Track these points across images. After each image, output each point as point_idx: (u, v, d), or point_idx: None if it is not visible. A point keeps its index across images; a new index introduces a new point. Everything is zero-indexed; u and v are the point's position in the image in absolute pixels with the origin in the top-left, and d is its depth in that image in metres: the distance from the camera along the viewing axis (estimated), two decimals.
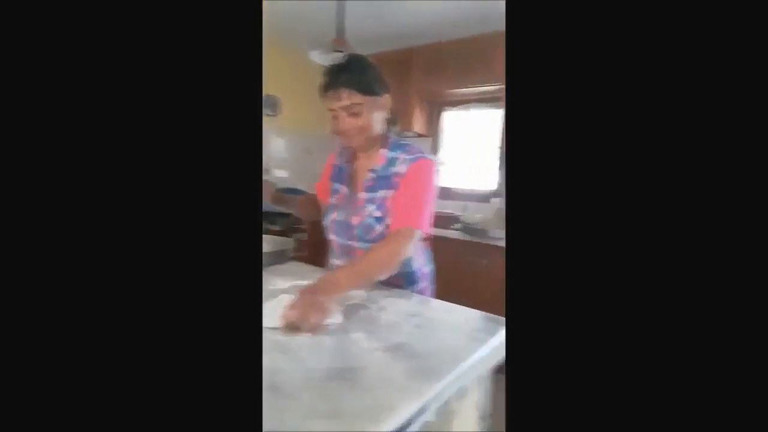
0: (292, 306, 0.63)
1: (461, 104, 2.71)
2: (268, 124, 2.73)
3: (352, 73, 0.86)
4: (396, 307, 0.77)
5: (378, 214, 0.91)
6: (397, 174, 0.91)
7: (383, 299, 0.80)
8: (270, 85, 2.69)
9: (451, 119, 2.80)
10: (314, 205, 1.11)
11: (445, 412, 0.51)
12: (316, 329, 0.62)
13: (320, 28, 2.33)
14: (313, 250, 1.08)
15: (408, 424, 0.42)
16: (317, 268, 1.06)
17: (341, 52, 1.46)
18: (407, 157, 0.92)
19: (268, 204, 2.60)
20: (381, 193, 0.92)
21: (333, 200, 1.01)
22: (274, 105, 2.74)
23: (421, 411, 0.44)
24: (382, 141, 0.95)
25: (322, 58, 1.52)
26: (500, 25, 1.89)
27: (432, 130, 2.83)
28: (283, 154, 2.88)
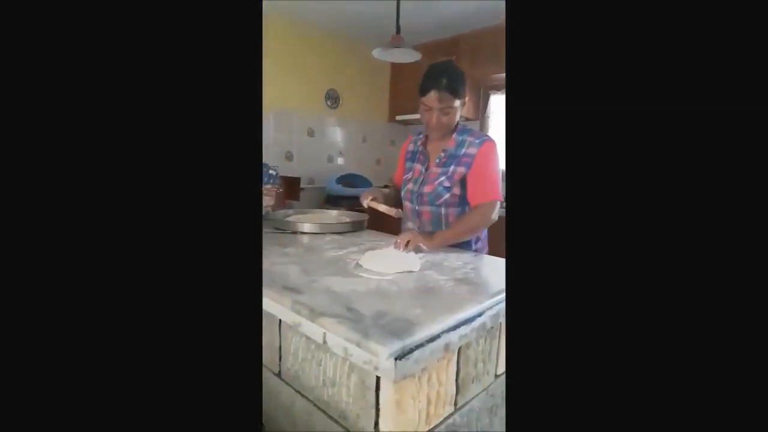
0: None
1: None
2: (329, 115, 3.01)
3: (449, 79, 1.04)
4: (460, 259, 0.98)
5: (447, 184, 1.13)
6: (467, 155, 1.11)
7: (449, 254, 1.02)
8: (331, 80, 2.96)
9: (498, 103, 2.91)
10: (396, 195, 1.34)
11: (497, 323, 0.72)
12: (410, 249, 0.95)
13: (376, 24, 2.53)
14: (386, 222, 1.36)
15: (472, 318, 0.63)
16: (389, 235, 1.29)
17: (399, 47, 1.66)
18: (475, 140, 1.12)
19: (334, 188, 2.83)
20: (451, 168, 1.13)
21: (409, 175, 1.25)
22: (335, 98, 2.99)
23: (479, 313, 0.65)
24: (453, 127, 1.17)
25: (384, 55, 1.73)
26: None
27: (479, 114, 2.95)
28: (341, 144, 3.15)
